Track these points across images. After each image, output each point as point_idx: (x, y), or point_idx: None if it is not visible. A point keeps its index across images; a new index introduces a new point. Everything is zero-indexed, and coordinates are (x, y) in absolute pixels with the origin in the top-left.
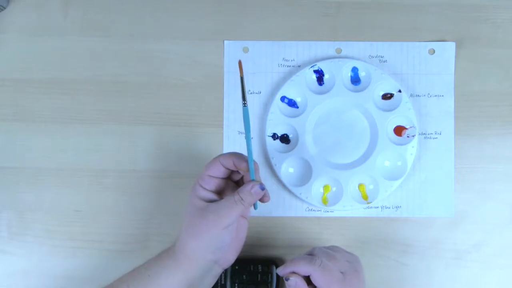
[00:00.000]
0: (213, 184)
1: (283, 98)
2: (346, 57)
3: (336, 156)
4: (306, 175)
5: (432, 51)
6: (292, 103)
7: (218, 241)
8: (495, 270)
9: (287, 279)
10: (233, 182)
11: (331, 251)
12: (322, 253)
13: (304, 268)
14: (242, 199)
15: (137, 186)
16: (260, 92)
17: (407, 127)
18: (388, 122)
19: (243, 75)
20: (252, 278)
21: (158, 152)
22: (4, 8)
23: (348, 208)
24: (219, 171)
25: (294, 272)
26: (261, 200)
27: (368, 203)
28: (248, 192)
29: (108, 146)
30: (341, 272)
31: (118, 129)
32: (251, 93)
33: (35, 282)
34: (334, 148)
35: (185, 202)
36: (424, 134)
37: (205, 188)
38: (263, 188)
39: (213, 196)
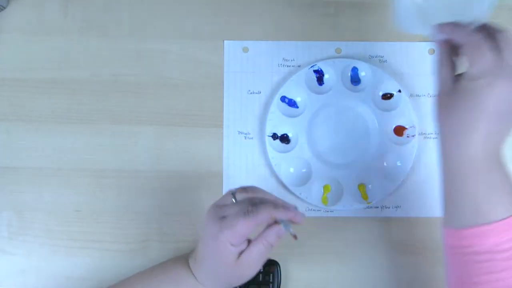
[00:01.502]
0: (244, 237)
1: (283, 98)
2: (346, 57)
3: (336, 156)
4: (306, 175)
5: (432, 51)
6: (292, 103)
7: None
8: None
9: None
10: None
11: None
12: (506, 37)
13: (458, 35)
14: (271, 245)
15: (137, 186)
16: (260, 92)
17: (407, 127)
18: (388, 122)
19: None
20: (253, 278)
21: (158, 152)
22: (4, 8)
23: (348, 208)
24: (253, 229)
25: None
26: (294, 220)
27: (368, 203)
28: (276, 236)
29: (108, 146)
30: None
31: (118, 129)
32: (251, 93)
33: (35, 282)
34: (334, 148)
35: (184, 202)
36: (424, 134)
37: (236, 245)
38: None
39: (243, 246)
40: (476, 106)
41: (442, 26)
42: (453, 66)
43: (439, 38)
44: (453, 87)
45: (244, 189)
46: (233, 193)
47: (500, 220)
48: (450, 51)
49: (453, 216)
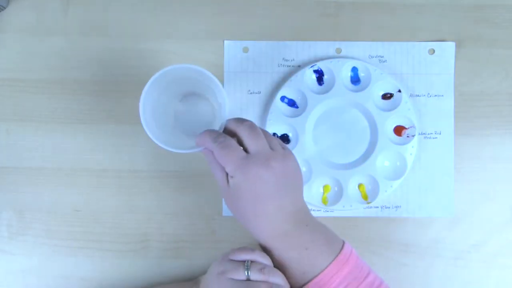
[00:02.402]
0: None
1: (283, 98)
2: (346, 57)
3: (336, 156)
4: (306, 175)
5: (432, 51)
6: (292, 103)
7: None
8: (495, 270)
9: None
10: None
11: (258, 131)
12: (243, 129)
13: (208, 145)
14: None
15: (137, 186)
16: (260, 92)
17: (407, 127)
18: (388, 122)
19: None
20: None
21: (158, 152)
22: (4, 8)
23: (348, 208)
24: None
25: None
26: None
27: (368, 203)
28: None
29: (108, 146)
30: (249, 153)
31: (118, 129)
32: (251, 93)
33: (35, 282)
34: (334, 148)
35: (184, 202)
36: (424, 134)
37: None
38: None
39: None
40: (247, 196)
41: (196, 139)
42: (223, 167)
43: (201, 149)
44: (226, 183)
45: (261, 269)
46: (247, 266)
47: (324, 268)
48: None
49: (291, 279)
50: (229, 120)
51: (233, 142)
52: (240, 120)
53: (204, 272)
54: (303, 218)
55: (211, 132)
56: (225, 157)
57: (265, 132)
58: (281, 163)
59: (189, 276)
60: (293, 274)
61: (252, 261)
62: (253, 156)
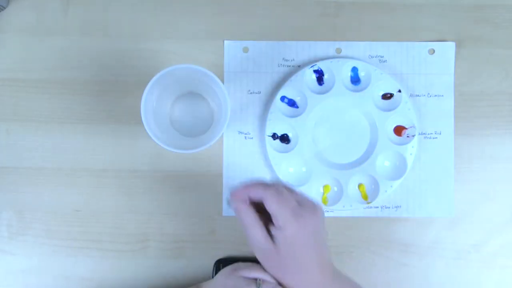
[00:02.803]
0: None
1: (283, 98)
2: (346, 57)
3: (336, 156)
4: (306, 175)
5: (432, 51)
6: (292, 103)
7: None
8: (495, 270)
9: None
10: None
11: (287, 186)
12: (280, 184)
13: (258, 192)
14: None
15: (137, 186)
16: (260, 92)
17: (407, 127)
18: (388, 122)
19: None
20: None
21: (158, 152)
22: (4, 8)
23: (348, 208)
24: None
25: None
26: None
27: (368, 203)
28: None
29: (108, 146)
30: (297, 202)
31: (118, 129)
32: (251, 93)
33: (35, 282)
34: (334, 148)
35: (184, 202)
36: (424, 134)
37: None
38: None
39: None
40: (296, 249)
41: (236, 194)
42: (261, 224)
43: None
44: (270, 242)
45: None
46: (259, 284)
47: None
48: (253, 209)
49: None
50: (251, 187)
51: (285, 189)
52: (266, 185)
53: (204, 273)
54: (334, 270)
55: (259, 181)
56: (281, 207)
57: (288, 189)
58: (321, 213)
59: (189, 276)
60: None
61: (263, 280)
62: (303, 205)
